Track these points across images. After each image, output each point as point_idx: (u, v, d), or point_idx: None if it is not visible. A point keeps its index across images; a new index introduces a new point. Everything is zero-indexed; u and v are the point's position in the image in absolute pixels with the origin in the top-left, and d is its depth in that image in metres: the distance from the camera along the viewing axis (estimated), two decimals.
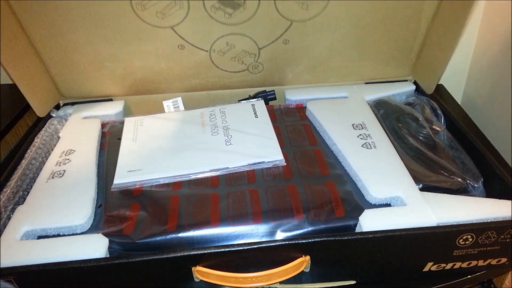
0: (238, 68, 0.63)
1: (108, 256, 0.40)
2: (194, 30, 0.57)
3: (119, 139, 0.56)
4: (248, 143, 0.53)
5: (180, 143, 0.54)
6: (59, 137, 0.58)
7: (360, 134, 0.53)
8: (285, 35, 0.59)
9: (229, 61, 0.62)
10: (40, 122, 0.60)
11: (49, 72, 0.61)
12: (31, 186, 0.49)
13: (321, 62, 0.64)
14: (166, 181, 0.49)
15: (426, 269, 0.44)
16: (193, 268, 0.39)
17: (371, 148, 0.51)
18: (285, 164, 0.50)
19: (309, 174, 0.49)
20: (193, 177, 0.49)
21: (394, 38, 0.61)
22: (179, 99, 0.63)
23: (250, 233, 0.43)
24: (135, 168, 0.50)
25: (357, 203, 0.45)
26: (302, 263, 0.40)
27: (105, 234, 0.41)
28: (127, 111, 0.66)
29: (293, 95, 0.64)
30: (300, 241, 0.39)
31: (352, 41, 0.61)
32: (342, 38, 0.60)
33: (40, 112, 0.60)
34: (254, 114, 0.59)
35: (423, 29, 0.61)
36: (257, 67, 0.63)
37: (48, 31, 0.56)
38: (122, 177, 0.49)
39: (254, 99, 0.63)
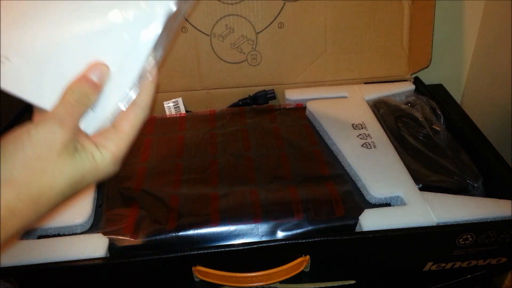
0: (238, 59, 0.64)
1: (108, 256, 0.40)
2: (197, 10, 0.61)
3: None
4: None
5: None
6: None
7: (360, 134, 0.53)
8: (280, 17, 0.62)
9: (228, 48, 0.63)
10: None
11: None
12: None
13: (318, 53, 0.65)
14: None
15: (426, 268, 0.44)
16: (193, 268, 0.39)
17: (371, 148, 0.51)
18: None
19: (309, 174, 0.49)
20: None
21: (383, 23, 0.64)
22: (180, 100, 0.63)
23: (250, 232, 0.43)
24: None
25: (357, 202, 0.45)
26: (302, 263, 0.40)
27: (105, 234, 0.41)
28: None
29: (293, 95, 0.64)
30: (300, 241, 0.39)
31: (344, 26, 0.63)
32: (335, 23, 0.63)
33: None
34: None
35: (406, 10, 0.64)
36: (256, 58, 0.64)
37: None
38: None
39: None
